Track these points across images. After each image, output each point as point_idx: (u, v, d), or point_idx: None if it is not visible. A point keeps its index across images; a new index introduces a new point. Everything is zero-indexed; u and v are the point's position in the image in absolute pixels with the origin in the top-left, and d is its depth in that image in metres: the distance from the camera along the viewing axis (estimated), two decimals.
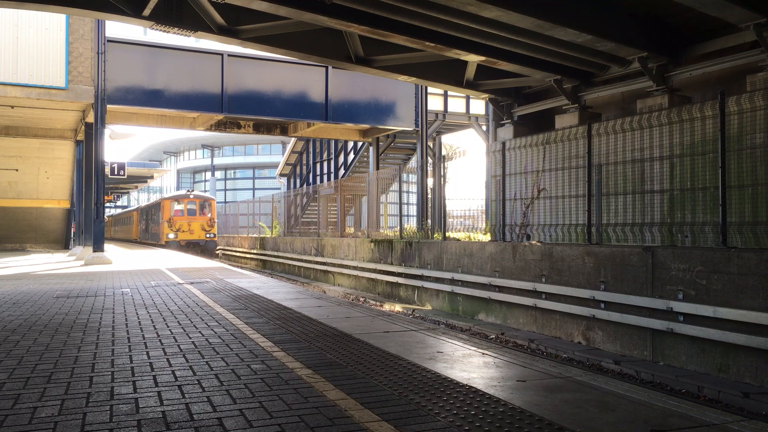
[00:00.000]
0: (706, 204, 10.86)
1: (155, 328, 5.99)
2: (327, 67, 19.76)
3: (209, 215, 32.60)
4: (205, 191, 61.59)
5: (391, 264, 15.74)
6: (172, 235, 31.02)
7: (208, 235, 32.09)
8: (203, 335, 5.61)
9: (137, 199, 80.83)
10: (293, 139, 32.43)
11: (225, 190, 70.55)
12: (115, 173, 26.22)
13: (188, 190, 35.99)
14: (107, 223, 57.73)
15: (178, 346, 5.12)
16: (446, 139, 28.32)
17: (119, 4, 11.56)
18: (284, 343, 5.23)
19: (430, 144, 26.20)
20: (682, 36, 11.82)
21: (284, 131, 23.84)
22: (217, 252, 33.92)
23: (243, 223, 35.63)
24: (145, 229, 39.06)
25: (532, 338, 10.01)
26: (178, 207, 32.20)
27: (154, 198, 52.54)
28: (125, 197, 76.35)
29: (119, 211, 66.26)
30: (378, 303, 14.71)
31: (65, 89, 16.30)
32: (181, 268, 14.73)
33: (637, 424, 3.14)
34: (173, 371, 4.23)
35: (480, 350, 5.02)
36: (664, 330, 8.26)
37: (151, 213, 37.65)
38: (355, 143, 26.88)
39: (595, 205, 10.77)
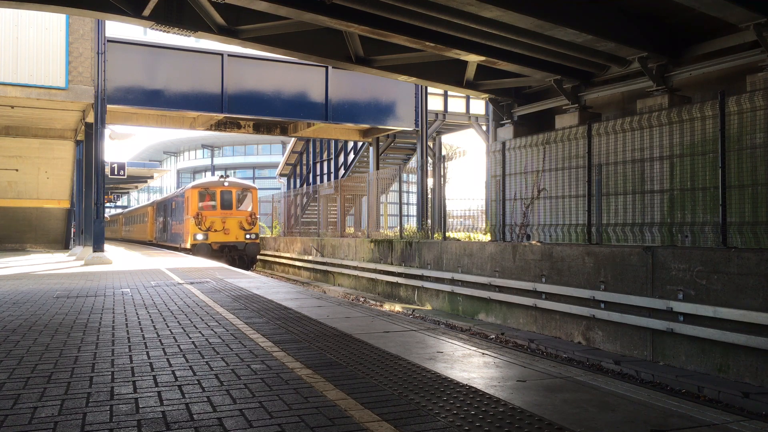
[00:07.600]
0: (706, 204, 10.86)
1: (155, 328, 5.99)
2: (327, 67, 19.76)
3: (249, 209, 24.80)
4: None
5: (391, 264, 15.74)
6: (200, 236, 23.28)
7: (248, 236, 24.03)
8: (203, 335, 5.61)
9: (137, 199, 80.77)
10: (293, 139, 32.40)
11: None
12: (115, 173, 26.23)
13: (222, 176, 26.01)
14: (117, 222, 56.12)
15: (178, 346, 5.12)
16: (446, 139, 28.33)
17: (119, 4, 11.57)
18: (284, 343, 5.23)
19: (430, 144, 26.20)
20: (682, 36, 11.82)
21: (284, 131, 23.84)
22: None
23: None
24: (163, 228, 30.91)
25: (532, 338, 10.01)
26: (208, 198, 24.27)
27: (155, 197, 49.23)
28: (125, 197, 76.26)
29: (130, 208, 60.26)
30: (378, 303, 14.70)
31: (65, 89, 16.29)
32: (181, 268, 14.73)
33: (637, 424, 3.14)
34: (173, 371, 4.23)
35: (480, 350, 5.02)
36: (664, 330, 8.26)
37: (171, 207, 28.98)
38: (355, 143, 26.88)
39: (595, 205, 10.77)
